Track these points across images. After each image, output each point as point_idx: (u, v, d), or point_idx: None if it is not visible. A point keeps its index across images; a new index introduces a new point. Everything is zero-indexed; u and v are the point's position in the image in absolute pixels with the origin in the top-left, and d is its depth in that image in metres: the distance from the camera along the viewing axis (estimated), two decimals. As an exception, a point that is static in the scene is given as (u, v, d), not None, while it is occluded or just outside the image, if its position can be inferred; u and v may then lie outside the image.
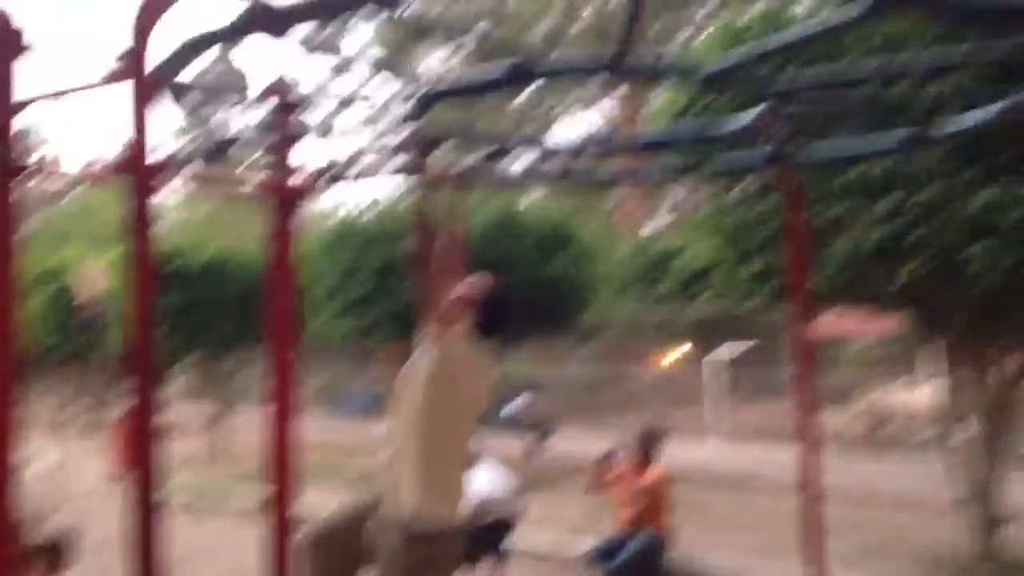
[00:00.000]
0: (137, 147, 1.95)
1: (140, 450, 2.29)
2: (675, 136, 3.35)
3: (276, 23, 2.30)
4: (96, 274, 15.87)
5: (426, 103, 2.68)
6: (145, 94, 1.95)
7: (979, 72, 4.60)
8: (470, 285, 3.67)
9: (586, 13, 30.38)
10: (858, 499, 10.42)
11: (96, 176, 4.82)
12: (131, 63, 2.01)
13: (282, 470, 4.04)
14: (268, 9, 2.27)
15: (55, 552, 3.62)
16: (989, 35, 2.50)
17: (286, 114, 3.60)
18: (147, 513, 2.31)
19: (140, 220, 2.04)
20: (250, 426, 17.99)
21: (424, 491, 3.58)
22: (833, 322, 13.36)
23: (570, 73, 2.13)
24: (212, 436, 15.94)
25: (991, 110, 2.88)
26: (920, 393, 14.28)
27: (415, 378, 3.62)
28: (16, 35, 2.67)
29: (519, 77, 2.52)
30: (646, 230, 33.20)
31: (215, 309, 14.23)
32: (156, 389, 2.43)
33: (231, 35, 2.33)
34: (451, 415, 3.52)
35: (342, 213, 13.17)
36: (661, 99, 7.99)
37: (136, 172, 1.97)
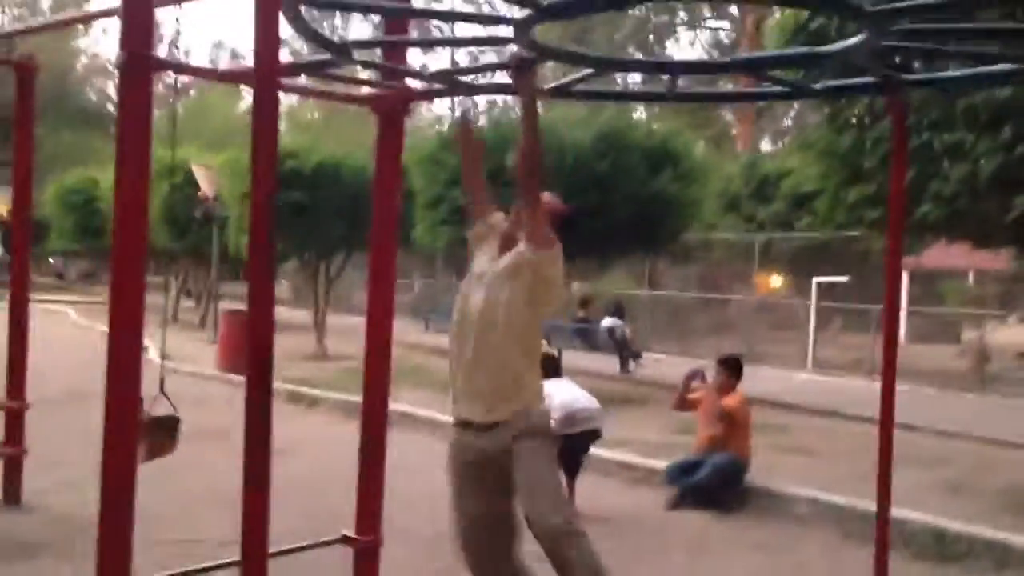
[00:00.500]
0: (265, 50, 2.06)
1: (255, 344, 2.44)
2: (784, 59, 3.32)
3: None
4: (213, 173, 16.50)
5: (529, 22, 2.74)
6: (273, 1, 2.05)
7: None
8: (550, 201, 3.70)
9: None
10: (952, 433, 10.28)
11: (227, 76, 5.05)
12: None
13: (379, 370, 4.26)
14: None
15: (166, 429, 3.92)
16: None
17: (399, 23, 3.70)
18: (258, 404, 2.47)
19: (266, 121, 2.17)
20: (351, 328, 18.75)
21: (532, 387, 3.63)
22: (941, 254, 12.95)
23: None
24: (316, 334, 16.59)
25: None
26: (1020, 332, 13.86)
27: (503, 277, 3.53)
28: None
29: (622, 1, 2.56)
30: (757, 150, 32.47)
31: (323, 212, 14.61)
32: (270, 285, 2.57)
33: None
34: (540, 317, 3.63)
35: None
36: (778, 15, 7.80)
37: (265, 74, 2.09)
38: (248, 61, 4.02)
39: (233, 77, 4.96)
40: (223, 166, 16.35)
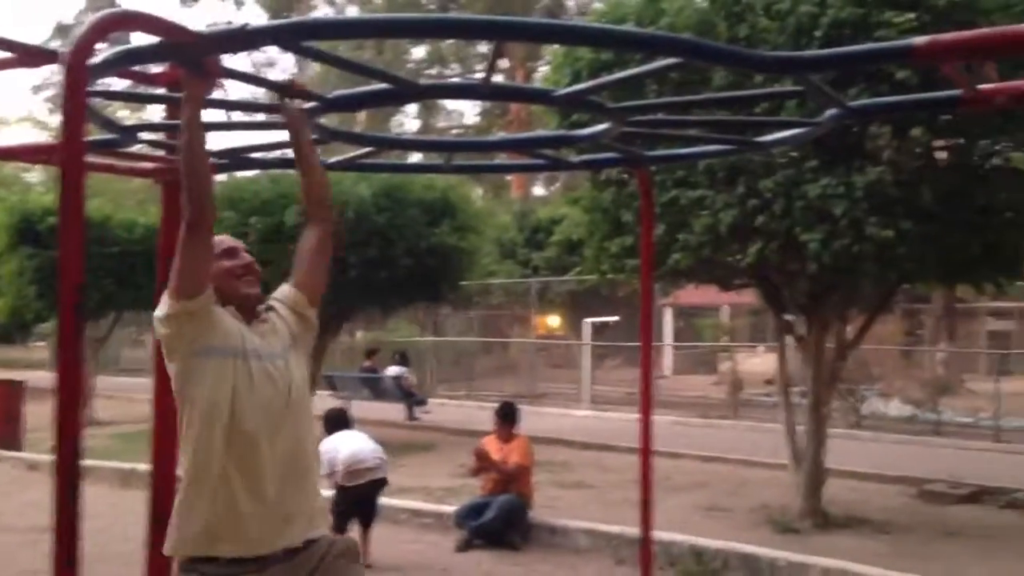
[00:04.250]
0: (71, 134, 2.16)
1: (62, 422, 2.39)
2: (545, 140, 3.76)
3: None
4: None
5: (314, 112, 2.99)
6: (78, 82, 2.16)
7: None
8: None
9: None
10: (711, 458, 11.25)
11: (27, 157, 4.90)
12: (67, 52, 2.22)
13: (167, 435, 4.26)
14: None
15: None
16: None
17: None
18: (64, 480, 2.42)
19: (71, 204, 2.26)
20: (120, 390, 17.93)
21: None
22: (700, 292, 14.14)
23: (444, 95, 2.45)
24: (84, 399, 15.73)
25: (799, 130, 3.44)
26: (770, 361, 15.30)
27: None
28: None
29: (397, 97, 2.87)
30: (531, 194, 33.89)
31: (88, 269, 13.91)
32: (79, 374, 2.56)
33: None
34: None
35: (228, 176, 13.03)
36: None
37: (71, 155, 2.19)
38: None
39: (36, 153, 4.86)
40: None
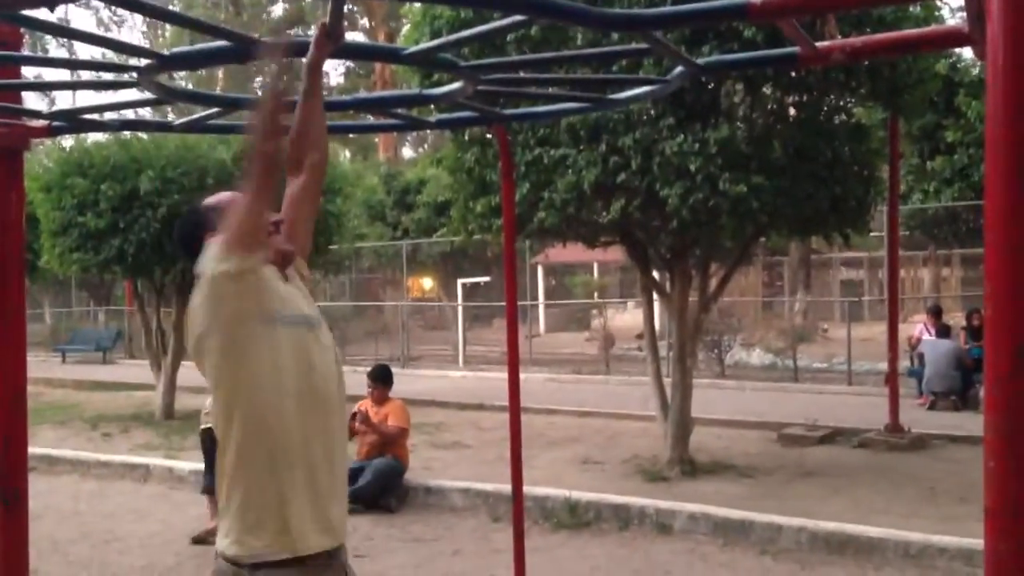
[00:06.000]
0: None
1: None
2: (402, 99, 3.69)
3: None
4: None
5: (152, 70, 2.85)
6: None
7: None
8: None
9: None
10: (585, 413, 11.50)
11: None
12: None
13: (15, 411, 4.07)
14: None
15: None
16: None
17: (11, 68, 3.60)
18: None
19: None
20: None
21: None
22: (570, 250, 14.35)
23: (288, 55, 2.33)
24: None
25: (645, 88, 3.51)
26: (640, 316, 15.74)
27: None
28: None
29: (238, 55, 2.76)
30: (401, 157, 33.53)
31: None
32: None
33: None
34: None
35: (76, 141, 12.35)
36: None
37: None
38: None
39: None
40: None
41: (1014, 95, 1.57)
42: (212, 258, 2.25)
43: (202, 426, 6.81)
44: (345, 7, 2.48)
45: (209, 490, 6.81)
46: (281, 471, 2.30)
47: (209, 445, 7.10)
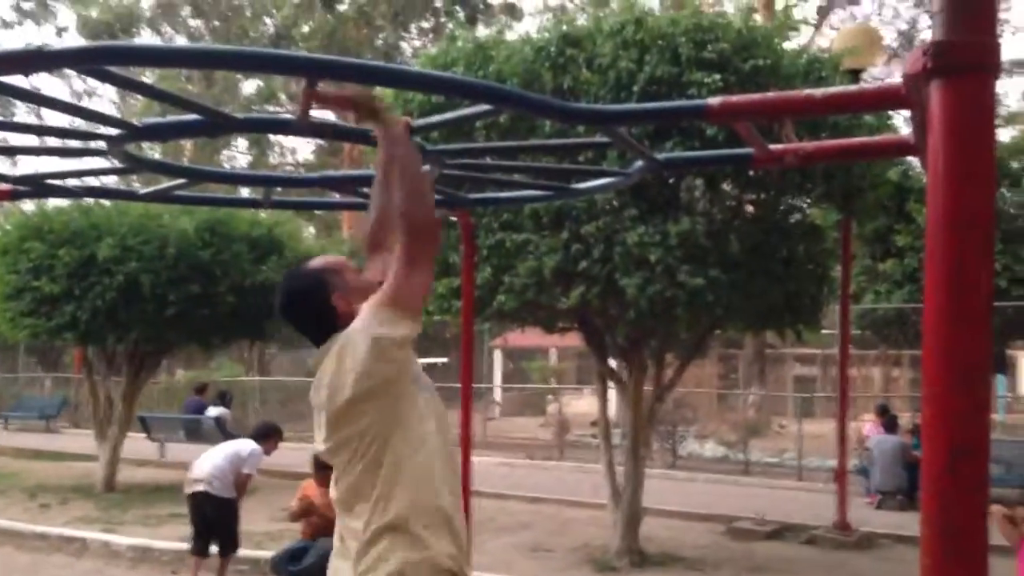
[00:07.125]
0: None
1: None
2: (356, 178, 3.75)
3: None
4: None
5: (123, 140, 2.89)
6: None
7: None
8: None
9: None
10: (537, 499, 11.38)
11: None
12: None
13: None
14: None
15: None
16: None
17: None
18: None
19: None
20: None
21: None
22: (529, 334, 14.39)
23: (258, 129, 2.39)
24: None
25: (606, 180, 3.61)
26: (596, 403, 15.74)
27: None
28: None
29: (210, 128, 2.81)
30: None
31: None
32: None
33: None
34: None
35: (37, 205, 12.25)
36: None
37: None
38: None
39: None
40: None
41: (952, 204, 1.65)
42: (378, 321, 2.23)
43: (189, 490, 6.97)
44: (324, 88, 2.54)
45: (199, 552, 7.19)
46: (436, 536, 2.33)
47: (206, 509, 7.08)
